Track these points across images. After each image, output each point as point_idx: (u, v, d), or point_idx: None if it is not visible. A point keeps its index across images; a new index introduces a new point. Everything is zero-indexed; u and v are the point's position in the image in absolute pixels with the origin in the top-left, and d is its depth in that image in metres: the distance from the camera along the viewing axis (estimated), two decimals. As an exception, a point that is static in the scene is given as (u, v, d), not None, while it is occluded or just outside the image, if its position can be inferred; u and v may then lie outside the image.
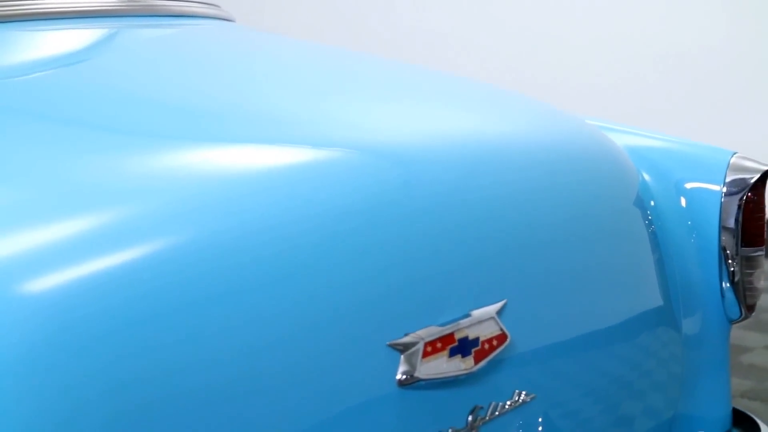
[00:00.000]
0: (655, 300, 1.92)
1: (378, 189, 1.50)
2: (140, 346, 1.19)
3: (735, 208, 1.94)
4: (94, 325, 1.17)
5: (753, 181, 1.95)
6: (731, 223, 1.94)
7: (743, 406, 2.13)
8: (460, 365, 1.47)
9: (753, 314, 2.03)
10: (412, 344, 1.41)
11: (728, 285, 1.96)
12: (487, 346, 1.50)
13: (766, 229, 1.99)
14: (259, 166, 1.48)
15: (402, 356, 1.40)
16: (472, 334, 1.48)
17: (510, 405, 1.56)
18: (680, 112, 6.08)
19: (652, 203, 1.94)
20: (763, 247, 1.98)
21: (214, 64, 2.03)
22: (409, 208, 1.51)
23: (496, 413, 1.53)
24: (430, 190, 1.55)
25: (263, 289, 1.32)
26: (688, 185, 1.98)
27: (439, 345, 1.44)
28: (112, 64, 1.92)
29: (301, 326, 1.33)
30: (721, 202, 1.95)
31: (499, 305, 1.53)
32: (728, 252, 1.95)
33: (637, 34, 6.30)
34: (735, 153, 2.01)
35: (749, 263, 1.96)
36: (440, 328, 1.45)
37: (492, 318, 1.52)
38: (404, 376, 1.40)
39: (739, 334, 4.26)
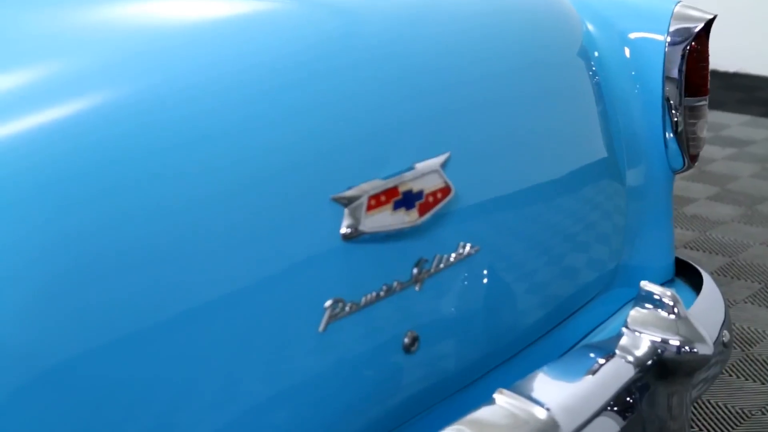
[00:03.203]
0: (599, 152, 1.92)
1: (319, 40, 1.48)
2: (81, 200, 1.18)
3: (679, 57, 1.93)
4: (28, 178, 1.16)
5: (697, 30, 1.94)
6: (675, 73, 1.94)
7: (686, 256, 2.16)
8: (405, 218, 1.46)
9: (696, 165, 2.04)
10: (356, 198, 1.40)
11: (672, 135, 1.96)
12: (431, 198, 1.50)
13: (709, 78, 1.99)
14: (198, 18, 1.46)
15: (346, 210, 1.40)
16: (416, 187, 1.48)
17: (455, 257, 1.56)
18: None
19: (596, 54, 1.93)
20: (707, 96, 1.98)
21: None
22: (350, 59, 1.50)
23: (441, 266, 1.54)
24: (372, 41, 1.54)
25: (206, 143, 1.30)
26: (632, 35, 1.97)
27: (383, 198, 1.43)
28: None
29: (244, 181, 1.32)
30: (665, 52, 1.94)
31: (442, 158, 1.53)
32: (672, 102, 1.94)
33: None
34: (679, 2, 1.99)
35: (693, 113, 1.96)
36: (384, 182, 1.44)
37: (436, 171, 1.51)
38: (348, 230, 1.40)
39: (682, 184, 4.30)
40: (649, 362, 1.59)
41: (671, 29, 1.94)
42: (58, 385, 1.14)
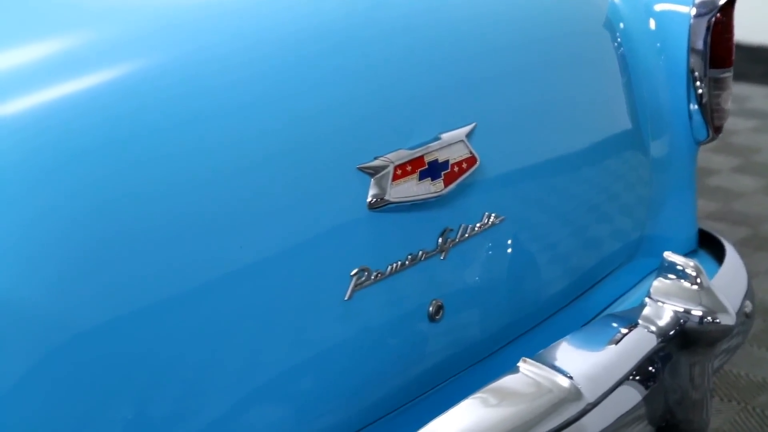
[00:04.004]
0: (623, 123, 1.92)
1: (346, 10, 1.49)
2: (120, 164, 1.20)
3: (704, 29, 1.93)
4: (75, 144, 1.18)
5: (722, 2, 1.93)
6: (700, 45, 1.94)
7: (709, 227, 2.16)
8: (430, 188, 1.48)
9: (720, 136, 2.04)
10: (382, 167, 1.42)
11: (696, 107, 1.96)
12: (456, 168, 1.51)
13: (734, 50, 1.99)
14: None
15: (372, 180, 1.41)
16: (441, 157, 1.49)
17: (480, 227, 1.57)
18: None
19: (621, 25, 1.93)
20: (731, 68, 1.98)
21: None
22: (377, 30, 1.50)
23: (466, 235, 1.55)
24: (399, 11, 1.54)
25: (234, 114, 1.31)
26: (657, 7, 1.97)
27: (408, 168, 1.44)
28: None
29: (272, 151, 1.33)
30: (690, 24, 1.94)
31: (468, 128, 1.54)
32: (696, 74, 1.94)
33: None
34: (704, -27, 1.99)
35: (717, 85, 1.96)
36: (410, 152, 1.45)
37: (461, 141, 1.52)
38: (374, 199, 1.41)
39: (706, 156, 4.29)
40: (672, 332, 1.60)
41: (697, 1, 1.94)
42: (87, 354, 1.16)
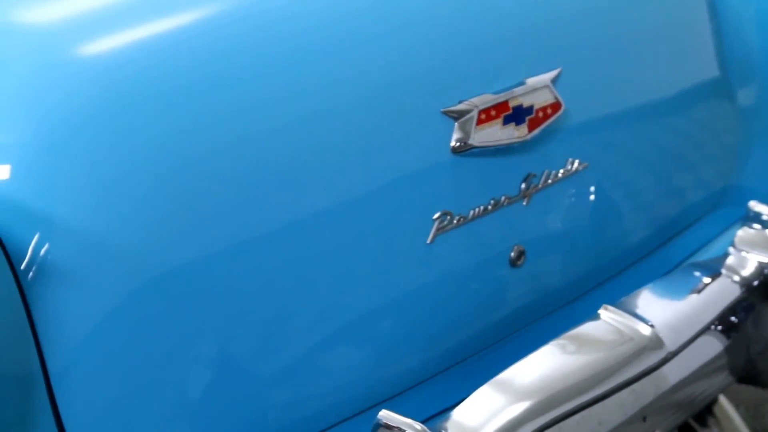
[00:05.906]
0: (711, 70, 1.90)
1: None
2: (203, 110, 1.21)
3: (796, -26, 1.90)
4: (160, 88, 1.19)
5: (816, -53, 1.90)
6: (792, -9, 1.91)
7: (795, 177, 2.13)
8: (514, 133, 1.47)
9: (810, 85, 2.01)
10: (467, 111, 1.41)
11: (786, 55, 1.94)
12: (541, 114, 1.50)
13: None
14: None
15: (456, 123, 1.41)
16: (526, 102, 1.48)
17: (563, 173, 1.57)
18: None
19: (712, -30, 1.90)
20: (824, 15, 1.95)
21: None
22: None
23: (549, 181, 1.54)
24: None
25: (318, 59, 1.32)
26: (749, -49, 1.94)
27: (493, 113, 1.44)
28: None
29: (359, 94, 1.34)
30: (785, -33, 1.91)
31: (554, 73, 1.53)
32: (788, 20, 1.92)
33: None
34: None
35: (811, 31, 1.93)
36: (494, 96, 1.44)
37: (547, 86, 1.51)
38: (458, 143, 1.41)
39: (794, 106, 4.22)
40: (756, 282, 1.59)
41: (790, -55, 1.91)
42: (178, 291, 1.18)
